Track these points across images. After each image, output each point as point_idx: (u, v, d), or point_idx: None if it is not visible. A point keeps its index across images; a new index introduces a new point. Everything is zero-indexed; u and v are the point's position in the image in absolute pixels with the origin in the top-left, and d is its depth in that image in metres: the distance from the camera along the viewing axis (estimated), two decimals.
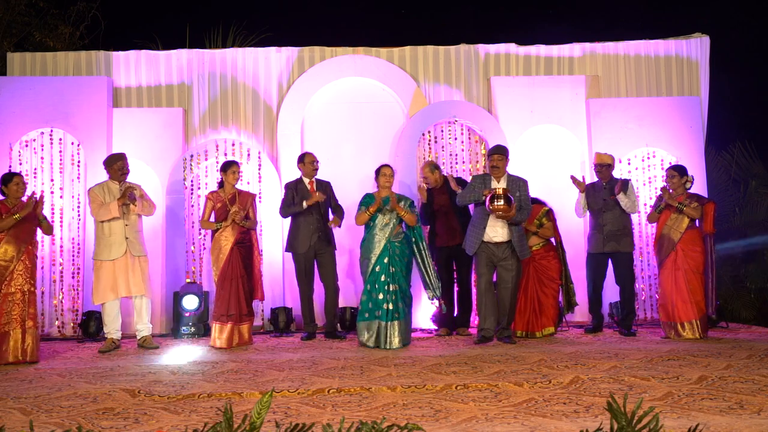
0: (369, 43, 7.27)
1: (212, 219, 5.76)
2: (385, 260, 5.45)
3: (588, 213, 6.13)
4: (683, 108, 7.09)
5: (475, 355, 4.78)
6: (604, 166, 6.07)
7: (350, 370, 4.33)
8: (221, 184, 5.87)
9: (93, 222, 5.80)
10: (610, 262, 6.02)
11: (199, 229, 6.80)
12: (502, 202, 5.25)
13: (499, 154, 5.51)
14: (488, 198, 5.25)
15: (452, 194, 6.06)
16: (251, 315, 5.77)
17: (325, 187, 6.10)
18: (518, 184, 5.49)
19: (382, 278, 5.41)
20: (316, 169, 6.09)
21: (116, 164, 5.70)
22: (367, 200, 5.67)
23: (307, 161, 6.07)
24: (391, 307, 5.35)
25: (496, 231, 5.42)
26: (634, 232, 6.99)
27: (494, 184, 5.46)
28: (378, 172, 5.73)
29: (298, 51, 7.21)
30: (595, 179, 6.17)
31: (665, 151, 7.00)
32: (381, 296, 5.38)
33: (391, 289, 5.40)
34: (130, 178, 5.89)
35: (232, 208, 5.65)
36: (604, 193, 5.99)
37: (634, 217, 6.91)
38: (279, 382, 3.94)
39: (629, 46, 7.36)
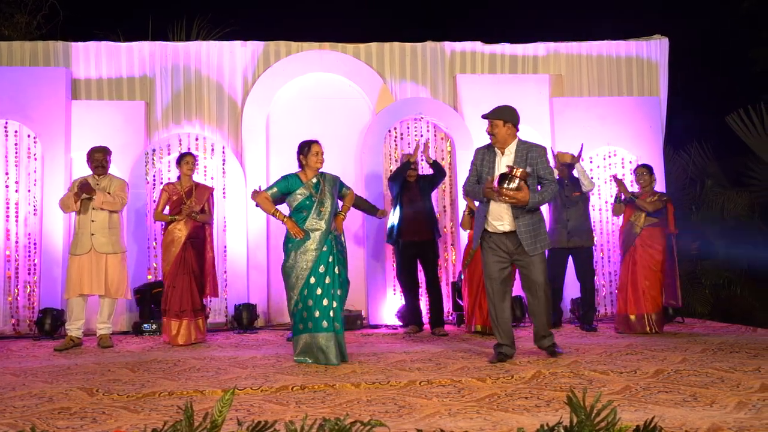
0: (335, 39, 7.24)
1: (167, 211, 5.63)
2: (330, 259, 4.48)
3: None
4: (643, 108, 7.26)
5: (439, 352, 4.81)
6: (564, 164, 6.17)
7: (314, 367, 4.31)
8: (180, 177, 5.77)
9: (55, 216, 5.68)
10: (569, 257, 6.13)
11: (161, 225, 6.68)
12: (515, 184, 4.06)
13: (492, 119, 4.31)
14: (498, 178, 4.15)
15: (423, 188, 6.03)
16: (203, 310, 5.69)
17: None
18: (530, 155, 4.29)
19: (327, 280, 4.44)
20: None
21: (92, 156, 5.60)
22: (291, 184, 4.59)
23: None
24: (335, 315, 4.44)
25: (502, 217, 4.25)
26: (594, 229, 7.14)
27: (499, 158, 4.33)
28: (309, 149, 4.62)
29: (264, 45, 7.14)
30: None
31: (626, 149, 7.16)
32: (326, 302, 4.41)
33: (338, 294, 4.48)
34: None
35: (187, 202, 5.56)
36: (567, 189, 6.08)
37: (595, 214, 7.08)
38: (242, 380, 3.90)
39: (592, 47, 7.50)
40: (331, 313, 4.43)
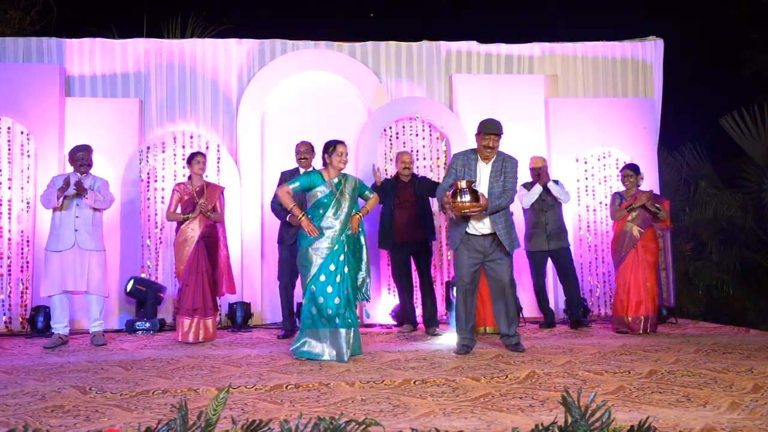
0: (331, 38, 7.23)
1: (179, 211, 5.61)
2: (341, 257, 4.56)
3: (524, 212, 6.22)
4: (638, 109, 7.29)
5: (433, 351, 4.81)
6: (538, 168, 6.15)
7: (309, 365, 4.31)
8: (190, 177, 5.73)
9: (47, 213, 5.63)
10: (549, 260, 6.17)
11: (156, 223, 6.67)
12: (467, 197, 4.46)
13: (495, 134, 4.64)
14: (450, 195, 4.51)
15: (417, 189, 6.03)
16: (216, 309, 5.68)
17: None
18: (505, 165, 4.70)
19: (338, 278, 4.52)
20: (305, 159, 5.74)
21: (75, 155, 5.53)
22: (314, 180, 4.64)
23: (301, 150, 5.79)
24: (346, 313, 4.54)
25: (482, 221, 4.66)
26: (589, 229, 7.17)
27: (480, 165, 4.70)
28: (334, 149, 4.65)
29: (259, 43, 7.12)
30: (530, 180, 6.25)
31: (620, 150, 7.18)
32: (337, 301, 4.50)
33: (345, 293, 4.55)
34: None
35: (200, 200, 5.55)
36: (543, 193, 6.09)
37: (590, 215, 7.10)
38: (236, 378, 3.89)
39: (587, 47, 7.52)
40: (342, 311, 4.51)
